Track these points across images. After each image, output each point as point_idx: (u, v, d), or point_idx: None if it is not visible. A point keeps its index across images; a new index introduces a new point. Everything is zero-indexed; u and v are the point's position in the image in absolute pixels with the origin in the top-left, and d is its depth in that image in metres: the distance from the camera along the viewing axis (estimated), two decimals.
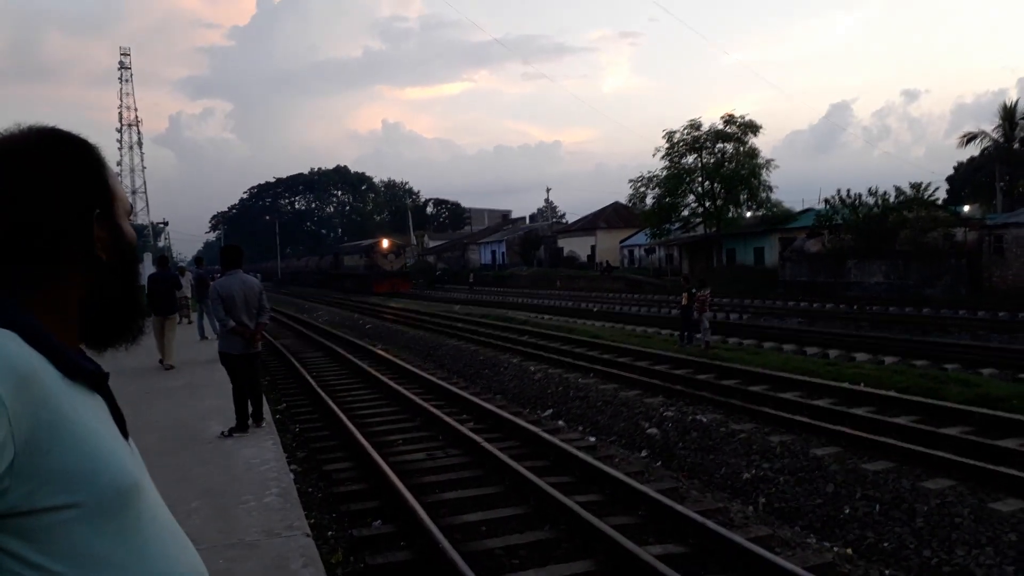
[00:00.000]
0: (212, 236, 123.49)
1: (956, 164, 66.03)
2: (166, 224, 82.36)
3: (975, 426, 8.91)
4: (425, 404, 10.91)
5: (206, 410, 8.94)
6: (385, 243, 54.52)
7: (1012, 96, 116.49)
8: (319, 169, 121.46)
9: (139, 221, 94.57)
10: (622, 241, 70.59)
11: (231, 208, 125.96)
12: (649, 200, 51.25)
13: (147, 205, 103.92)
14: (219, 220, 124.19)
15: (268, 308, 8.26)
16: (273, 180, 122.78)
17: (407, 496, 6.62)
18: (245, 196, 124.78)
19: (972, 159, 54.79)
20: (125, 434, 1.06)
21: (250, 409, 8.37)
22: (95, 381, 1.03)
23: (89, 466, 0.92)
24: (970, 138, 47.24)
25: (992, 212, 43.27)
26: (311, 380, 13.37)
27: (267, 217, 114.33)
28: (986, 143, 46.87)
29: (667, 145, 48.99)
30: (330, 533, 6.53)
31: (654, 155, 50.26)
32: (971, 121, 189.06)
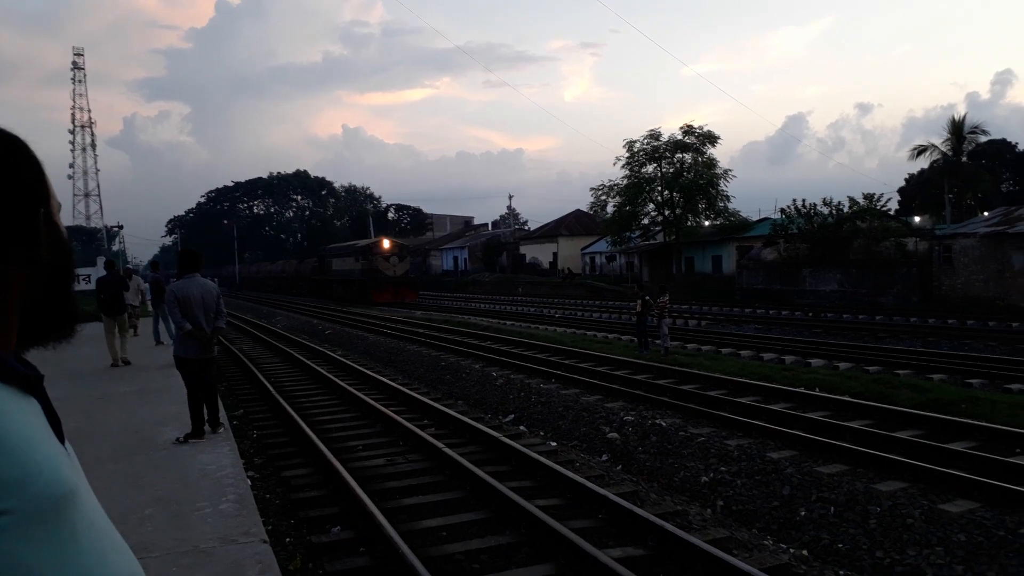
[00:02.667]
0: (168, 240, 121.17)
1: (907, 176, 67.82)
2: (120, 228, 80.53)
3: (926, 429, 9.14)
4: (385, 410, 10.82)
5: (161, 416, 8.76)
6: (386, 243, 45.74)
7: (960, 111, 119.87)
8: (278, 173, 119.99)
9: (92, 225, 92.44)
10: (583, 248, 71.00)
11: (188, 212, 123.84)
12: (610, 208, 51.70)
13: (101, 208, 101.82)
14: (176, 224, 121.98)
15: (225, 313, 8.15)
16: (231, 184, 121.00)
17: (366, 502, 6.56)
18: (203, 200, 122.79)
19: (922, 171, 56.31)
20: (61, 439, 1.02)
21: (207, 415, 8.26)
22: (29, 384, 0.99)
23: (20, 473, 0.88)
24: (920, 151, 48.57)
25: (941, 223, 44.47)
26: (269, 386, 13.18)
27: (225, 221, 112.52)
28: (935, 156, 48.23)
29: (627, 154, 49.50)
30: (288, 540, 6.43)
31: (615, 164, 50.81)
32: (921, 134, 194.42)
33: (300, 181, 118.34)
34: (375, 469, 8.23)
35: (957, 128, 46.82)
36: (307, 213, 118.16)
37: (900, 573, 5.80)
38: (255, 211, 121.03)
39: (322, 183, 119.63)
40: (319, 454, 8.41)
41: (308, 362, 16.63)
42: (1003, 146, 64.12)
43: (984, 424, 8.92)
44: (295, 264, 64.84)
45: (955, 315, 26.18)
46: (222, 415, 8.86)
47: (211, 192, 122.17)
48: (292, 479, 8.04)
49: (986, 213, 40.01)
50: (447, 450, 8.28)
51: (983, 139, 51.36)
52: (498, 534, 6.26)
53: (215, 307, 7.95)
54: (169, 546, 5.05)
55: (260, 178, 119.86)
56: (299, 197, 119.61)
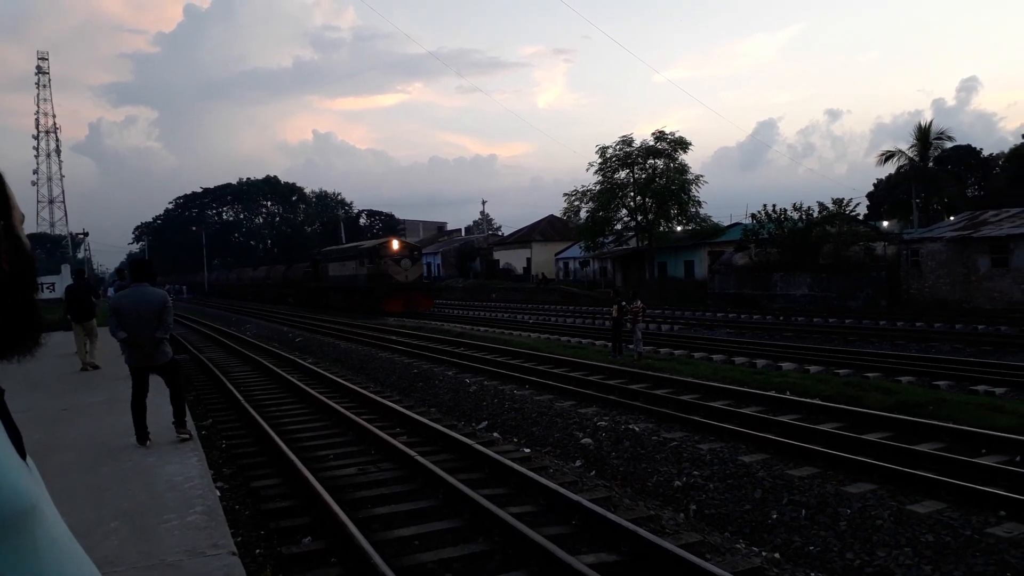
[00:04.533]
0: (136, 247, 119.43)
1: (876, 181, 68.84)
2: (86, 235, 79.18)
3: (895, 431, 9.25)
4: (357, 418, 10.73)
5: (128, 426, 8.58)
6: (396, 244, 40.56)
7: (927, 117, 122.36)
8: (248, 179, 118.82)
9: (57, 232, 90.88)
10: (557, 254, 71.18)
11: (155, 219, 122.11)
12: (583, 214, 51.90)
13: (65, 215, 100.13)
14: (143, 231, 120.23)
15: (169, 323, 8.16)
16: (200, 190, 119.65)
17: (337, 511, 6.49)
18: (171, 206, 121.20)
19: (890, 176, 57.18)
20: (22, 453, 0.99)
21: (172, 417, 8.37)
22: None
23: None
24: (888, 157, 49.35)
25: (909, 227, 45.19)
26: (238, 395, 13.02)
27: (194, 228, 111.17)
28: (903, 162, 49.01)
29: (600, 160, 49.74)
30: (258, 551, 6.34)
31: (588, 170, 51.01)
32: (889, 140, 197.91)
33: (270, 187, 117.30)
34: (347, 478, 8.14)
35: (924, 134, 47.64)
36: (277, 219, 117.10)
37: (870, 574, 5.85)
38: (224, 217, 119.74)
39: (292, 189, 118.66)
40: (289, 464, 8.31)
41: (278, 370, 16.45)
42: (968, 152, 65.38)
43: (951, 425, 9.05)
44: (282, 270, 58.17)
45: (923, 318, 26.59)
46: (190, 425, 8.77)
47: (179, 198, 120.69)
48: (262, 489, 7.93)
49: (952, 218, 40.74)
50: (419, 458, 8.22)
51: (949, 145, 52.34)
52: (471, 542, 6.22)
53: (156, 317, 7.98)
54: (135, 560, 4.95)
55: (229, 184, 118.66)
56: (269, 203, 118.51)
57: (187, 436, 8.44)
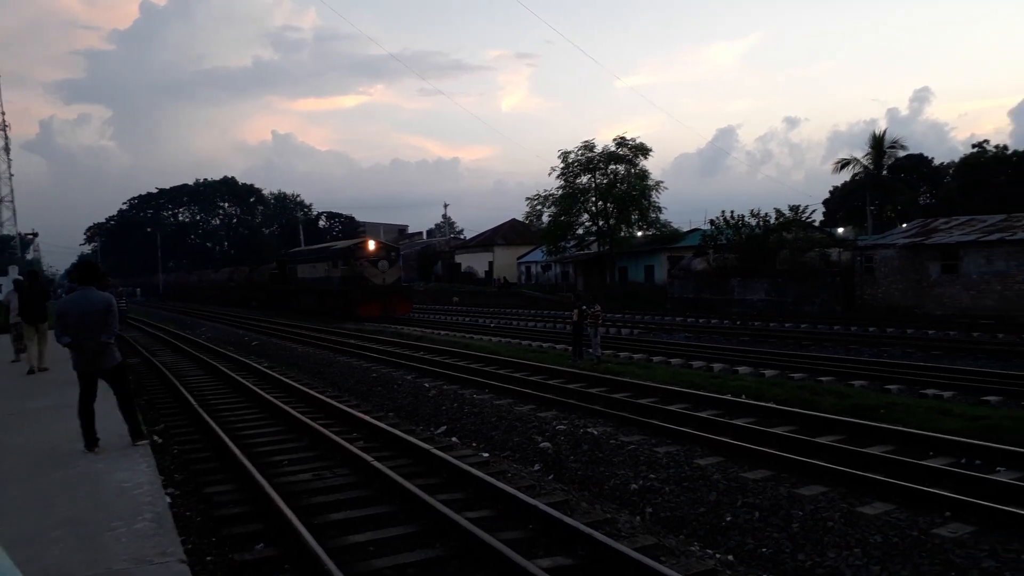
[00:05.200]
0: (87, 249, 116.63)
1: (832, 188, 70.25)
2: (35, 235, 77.14)
3: (847, 434, 9.42)
4: (313, 423, 10.59)
5: (75, 432, 8.37)
6: (372, 245, 38.41)
7: (881, 126, 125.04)
8: (205, 180, 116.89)
9: (5, 232, 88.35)
10: (519, 258, 71.30)
11: (109, 219, 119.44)
12: (545, 218, 52.09)
13: (14, 215, 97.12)
14: (95, 232, 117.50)
15: (114, 327, 8.05)
16: (155, 191, 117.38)
17: (291, 517, 6.39)
18: (124, 207, 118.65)
19: (846, 184, 58.38)
20: None
21: (127, 427, 8.30)
22: None
23: None
24: (843, 164, 50.40)
25: (864, 234, 46.19)
26: (191, 399, 12.78)
27: (148, 229, 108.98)
28: (858, 169, 50.11)
29: (562, 165, 49.99)
30: (209, 558, 6.21)
31: (550, 174, 51.16)
32: (845, 148, 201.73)
33: (228, 188, 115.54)
34: (301, 484, 8.03)
35: (878, 143, 48.77)
36: (235, 221, 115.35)
37: (820, 575, 5.94)
38: (180, 219, 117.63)
39: (251, 190, 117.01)
40: (243, 469, 8.17)
41: (233, 375, 16.18)
42: (920, 161, 67.09)
43: (901, 429, 9.24)
44: (247, 272, 55.40)
45: (876, 323, 27.17)
46: (143, 429, 8.65)
47: (134, 199, 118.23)
48: (214, 495, 7.78)
49: (905, 225, 41.74)
50: (376, 463, 8.14)
51: (902, 154, 53.65)
52: (427, 548, 6.17)
53: (101, 320, 7.87)
54: (79, 569, 4.83)
55: (186, 185, 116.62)
56: (226, 204, 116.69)
57: (147, 441, 8.41)
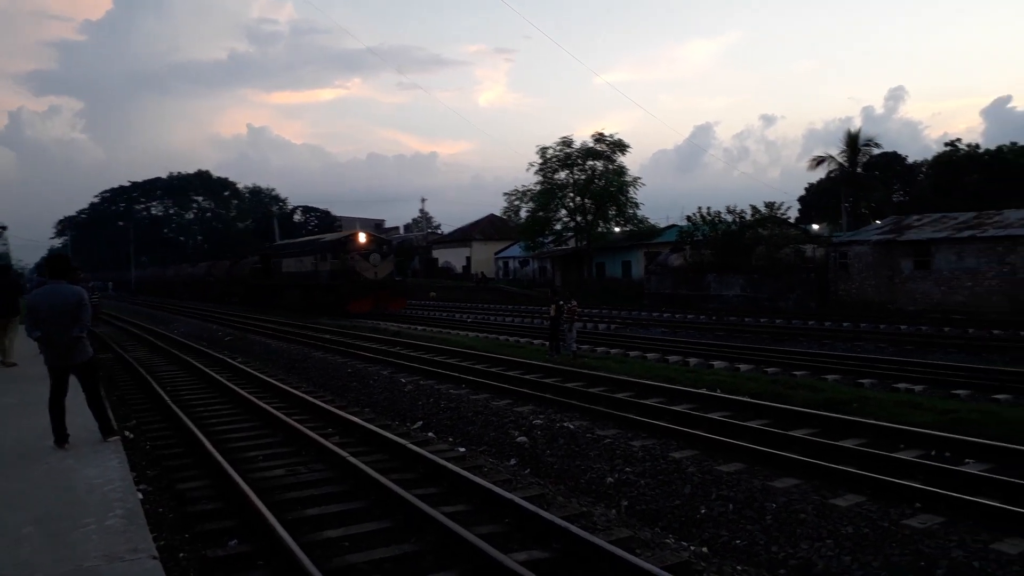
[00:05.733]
0: (58, 242, 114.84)
1: (807, 185, 70.93)
2: (4, 228, 75.77)
3: (820, 428, 9.52)
4: (287, 419, 10.51)
5: (44, 428, 8.24)
6: (363, 237, 36.27)
7: (856, 124, 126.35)
8: (179, 173, 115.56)
9: None
10: (497, 253, 71.27)
11: (80, 213, 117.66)
12: (523, 213, 52.16)
13: None
14: (66, 225, 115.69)
15: (85, 321, 7.94)
16: (128, 184, 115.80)
17: (265, 513, 6.34)
18: (96, 200, 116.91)
19: (821, 181, 58.98)
20: None
21: (97, 424, 8.21)
22: None
23: None
24: (819, 162, 50.90)
25: (838, 230, 46.67)
26: (164, 395, 12.63)
27: (121, 223, 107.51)
28: (833, 167, 50.63)
29: (540, 160, 50.08)
30: (182, 555, 6.14)
31: (528, 170, 51.26)
32: (821, 146, 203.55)
33: (201, 182, 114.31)
34: (275, 479, 7.97)
35: (853, 141, 49.29)
36: (209, 215, 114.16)
37: (793, 567, 6.00)
38: (153, 212, 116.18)
39: (225, 184, 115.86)
40: (216, 465, 8.09)
41: (207, 370, 16.02)
42: (894, 158, 67.92)
43: (873, 422, 9.35)
44: (227, 266, 53.26)
45: (849, 318, 27.48)
46: (113, 424, 8.54)
47: (106, 192, 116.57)
48: (187, 491, 7.70)
49: (878, 222, 42.22)
50: (351, 458, 8.10)
51: (876, 151, 54.26)
52: (403, 542, 6.15)
53: (72, 315, 7.78)
54: (48, 567, 4.76)
55: (159, 178, 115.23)
56: (200, 198, 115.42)
57: (118, 436, 8.32)
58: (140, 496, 6.92)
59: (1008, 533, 5.85)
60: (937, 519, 6.21)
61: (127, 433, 10.18)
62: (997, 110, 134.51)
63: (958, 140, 59.83)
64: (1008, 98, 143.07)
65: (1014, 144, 56.03)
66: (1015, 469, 7.53)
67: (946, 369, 14.18)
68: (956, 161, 55.22)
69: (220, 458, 8.23)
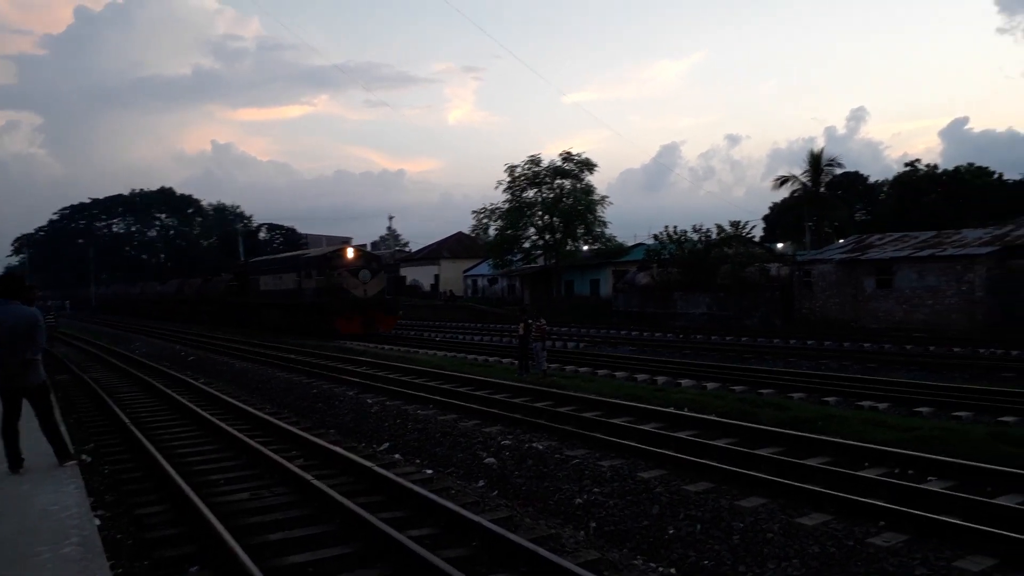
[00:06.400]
0: (15, 260, 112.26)
1: (771, 204, 71.96)
2: None
3: (786, 446, 9.58)
4: (251, 441, 10.33)
5: None
6: (351, 253, 34.48)
7: (819, 144, 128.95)
8: (141, 190, 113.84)
9: None
10: (465, 271, 71.22)
11: (38, 230, 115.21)
12: (492, 231, 52.22)
13: None
14: (24, 243, 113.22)
15: (40, 343, 7.79)
16: (89, 201, 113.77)
17: (227, 538, 6.19)
18: (55, 217, 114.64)
19: (785, 200, 59.85)
20: None
21: (52, 447, 8.05)
22: None
23: None
24: (783, 181, 51.78)
25: (802, 249, 47.44)
26: (124, 417, 12.35)
27: (81, 240, 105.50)
28: (796, 186, 51.50)
29: (509, 179, 50.26)
30: None
31: (496, 188, 51.41)
32: (784, 165, 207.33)
33: (164, 198, 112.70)
34: (238, 504, 7.80)
35: (816, 161, 50.23)
36: (172, 232, 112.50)
37: None
38: (115, 230, 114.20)
39: (189, 201, 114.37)
40: (177, 489, 7.90)
41: (168, 391, 15.70)
42: (856, 178, 69.30)
43: (838, 440, 9.43)
44: (198, 284, 50.72)
45: (814, 336, 27.84)
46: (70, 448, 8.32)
47: (65, 209, 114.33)
48: (147, 517, 7.51)
49: (841, 240, 42.98)
50: (316, 482, 7.96)
51: (839, 171, 55.37)
52: (369, 567, 6.05)
53: (26, 336, 7.61)
54: None
55: (121, 195, 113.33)
56: (163, 215, 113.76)
57: (75, 461, 8.14)
58: (98, 522, 6.74)
59: (970, 551, 5.92)
60: (901, 537, 6.26)
61: (84, 457, 9.92)
62: (954, 131, 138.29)
63: (917, 160, 61.51)
64: (965, 119, 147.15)
65: (971, 165, 57.62)
66: (976, 486, 7.65)
67: (909, 387, 14.40)
68: (916, 181, 56.55)
69: (181, 482, 8.04)
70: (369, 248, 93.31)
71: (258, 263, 43.49)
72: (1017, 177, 61.28)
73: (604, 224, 49.64)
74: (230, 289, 42.99)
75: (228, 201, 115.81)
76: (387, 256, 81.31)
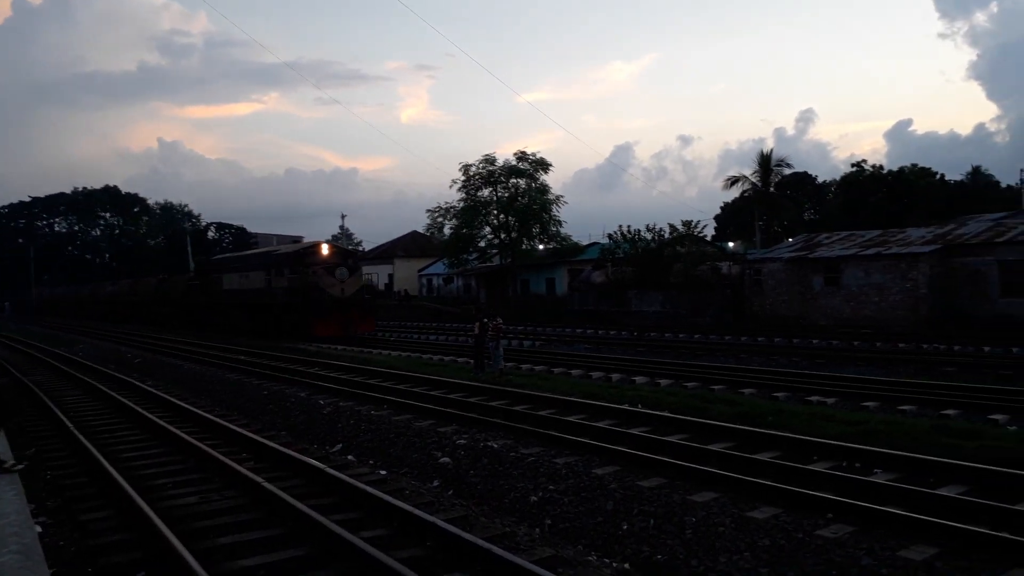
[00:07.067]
0: None
1: (723, 204, 73.24)
2: None
3: (738, 441, 9.72)
4: (199, 444, 10.11)
5: None
6: (326, 249, 32.04)
7: (769, 145, 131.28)
8: (84, 188, 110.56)
9: None
10: (421, 270, 70.88)
11: None
12: (447, 230, 52.08)
13: None
14: None
15: None
16: (29, 199, 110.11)
17: (174, 543, 6.05)
18: None
19: (736, 200, 60.95)
20: None
21: None
22: None
23: None
24: (733, 181, 52.64)
25: (752, 248, 48.26)
26: (67, 421, 11.99)
27: (21, 240, 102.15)
28: (746, 186, 52.42)
29: (464, 178, 50.12)
30: None
31: (451, 186, 51.22)
32: (735, 166, 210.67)
33: (109, 197, 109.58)
34: (187, 508, 7.63)
35: (765, 161, 51.17)
36: (117, 232, 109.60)
37: None
38: (56, 229, 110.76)
39: (134, 200, 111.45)
40: (123, 494, 7.70)
41: (114, 394, 15.29)
42: (805, 178, 70.81)
43: (788, 435, 9.60)
44: (153, 283, 47.34)
45: (764, 333, 28.36)
46: (7, 454, 8.03)
47: (3, 208, 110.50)
48: (91, 523, 7.30)
49: (790, 239, 43.85)
50: (266, 484, 7.83)
51: (788, 171, 56.57)
52: (321, 569, 5.97)
53: None
54: None
55: (63, 193, 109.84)
56: (108, 215, 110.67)
57: (17, 465, 7.83)
58: (39, 529, 6.54)
59: (914, 540, 6.07)
60: (848, 529, 6.39)
61: (21, 464, 9.60)
62: (899, 133, 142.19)
63: (864, 161, 63.01)
64: (909, 121, 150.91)
65: (915, 166, 59.33)
66: (919, 477, 7.86)
67: (856, 382, 14.73)
68: (862, 181, 57.99)
69: (127, 486, 7.84)
70: None
71: (221, 261, 40.84)
72: (958, 178, 63.43)
73: (559, 223, 49.91)
74: (190, 289, 40.55)
75: (176, 200, 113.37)
76: None
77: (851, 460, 8.62)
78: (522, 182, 49.54)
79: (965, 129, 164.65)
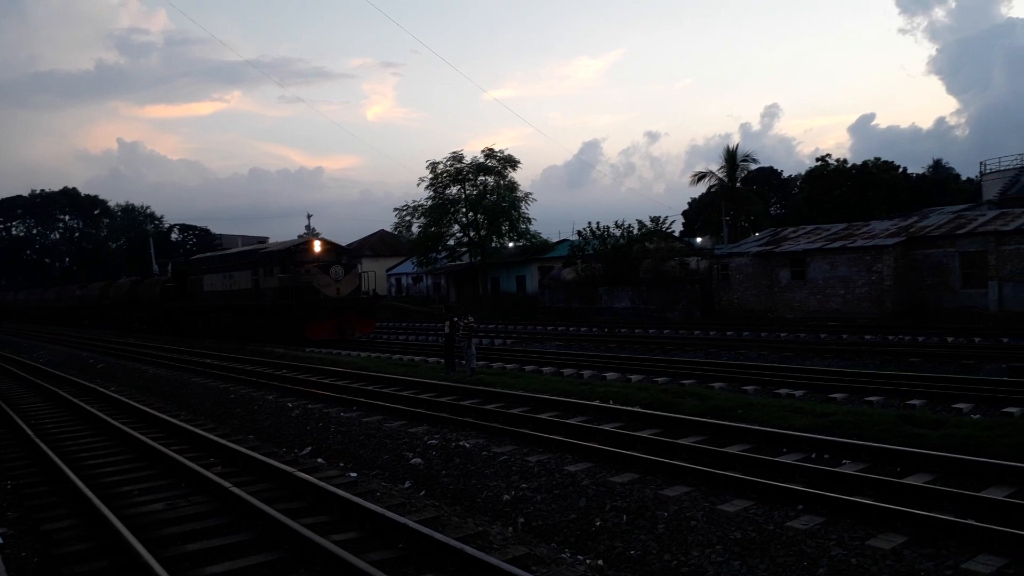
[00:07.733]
0: None
1: (690, 200, 73.81)
2: None
3: (708, 435, 9.78)
4: (165, 449, 9.92)
5: None
6: (319, 246, 29.85)
7: (735, 140, 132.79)
8: (42, 191, 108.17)
9: None
10: (389, 269, 70.46)
11: None
12: (415, 229, 51.79)
13: None
14: None
15: None
16: None
17: (140, 550, 5.92)
18: None
19: (703, 195, 61.39)
20: None
21: None
22: None
23: None
24: (700, 177, 53.07)
25: (720, 243, 48.68)
26: (27, 429, 11.71)
27: None
28: (713, 182, 52.88)
29: (431, 175, 49.90)
30: None
31: (419, 184, 50.97)
32: (702, 162, 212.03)
33: (68, 199, 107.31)
34: (153, 515, 7.47)
35: (732, 156, 51.66)
36: (77, 235, 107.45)
37: (686, 574, 6.08)
38: (14, 233, 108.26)
39: (95, 202, 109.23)
40: (86, 502, 7.52)
41: (76, 400, 14.96)
42: (771, 173, 71.65)
43: (757, 428, 9.69)
44: (126, 287, 44.85)
45: (733, 327, 28.60)
46: None
47: None
48: (54, 532, 7.12)
49: (757, 234, 44.31)
50: (234, 489, 7.70)
51: (754, 167, 57.20)
52: (291, 574, 5.88)
53: None
54: None
55: (20, 196, 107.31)
56: (67, 217, 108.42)
57: None
58: (0, 541, 6.36)
59: (882, 529, 6.14)
60: (818, 519, 6.45)
61: None
62: (862, 127, 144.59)
63: (828, 155, 63.78)
64: (872, 115, 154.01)
65: (878, 159, 60.22)
66: (887, 467, 7.96)
67: (824, 374, 14.90)
68: (827, 175, 58.72)
69: (90, 494, 7.66)
70: None
71: (201, 260, 38.07)
72: (920, 171, 64.59)
73: (528, 220, 49.94)
74: (167, 291, 38.33)
75: (137, 201, 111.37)
76: None
77: (820, 451, 8.71)
78: (490, 179, 49.49)
79: (926, 123, 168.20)
